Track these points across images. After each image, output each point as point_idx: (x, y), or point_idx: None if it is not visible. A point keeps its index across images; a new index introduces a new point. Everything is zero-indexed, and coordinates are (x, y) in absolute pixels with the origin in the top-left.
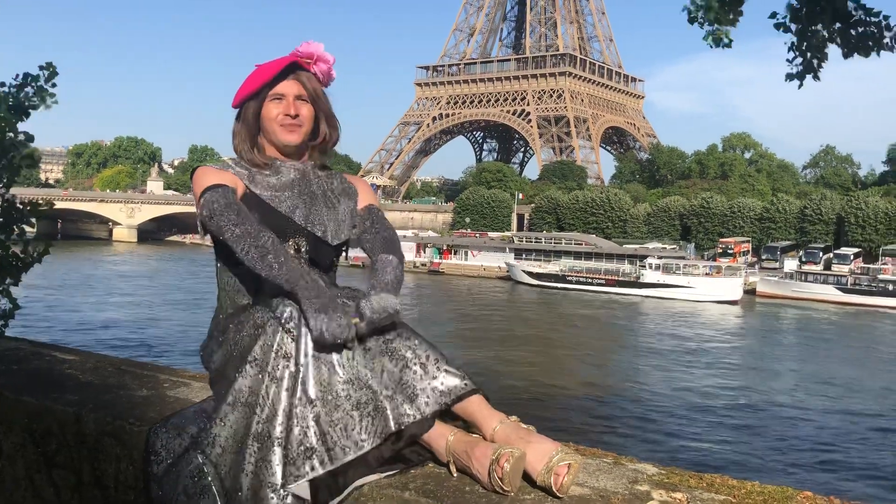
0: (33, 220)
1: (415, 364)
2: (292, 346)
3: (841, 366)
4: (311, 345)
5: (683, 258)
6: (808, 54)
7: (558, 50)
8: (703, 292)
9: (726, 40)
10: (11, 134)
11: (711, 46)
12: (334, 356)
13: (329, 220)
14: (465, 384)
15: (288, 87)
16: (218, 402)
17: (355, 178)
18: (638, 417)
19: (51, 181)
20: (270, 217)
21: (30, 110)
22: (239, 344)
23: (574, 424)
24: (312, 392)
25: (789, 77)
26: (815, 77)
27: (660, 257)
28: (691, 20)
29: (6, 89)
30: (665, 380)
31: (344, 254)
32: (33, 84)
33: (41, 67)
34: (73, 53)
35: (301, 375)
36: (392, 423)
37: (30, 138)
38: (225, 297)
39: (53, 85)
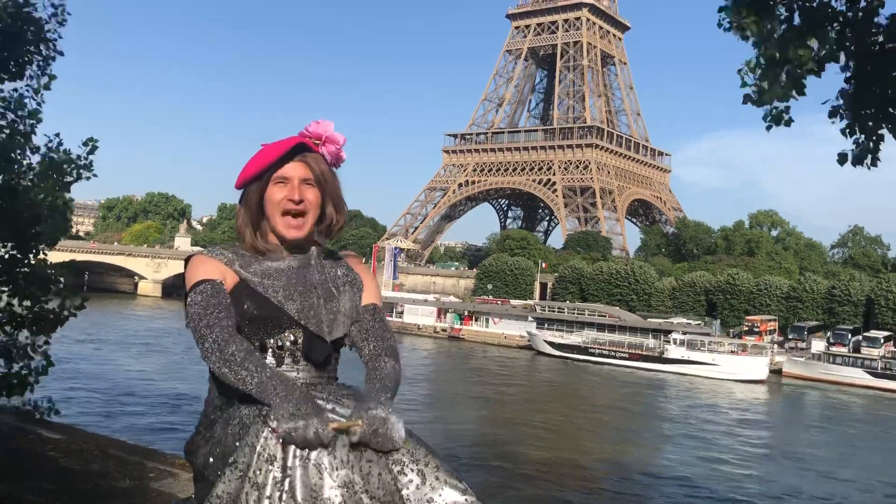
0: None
1: (412, 471)
2: (277, 448)
3: (871, 454)
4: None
5: (709, 335)
6: (863, 137)
7: (586, 122)
8: (727, 370)
9: (786, 118)
10: (50, 198)
11: (771, 126)
12: (324, 459)
13: (326, 313)
14: (467, 500)
15: (293, 169)
16: None
17: (362, 267)
18: None
19: (81, 233)
20: (263, 308)
21: (69, 182)
22: (222, 442)
23: None
24: (300, 497)
25: (853, 161)
26: (874, 161)
27: (684, 333)
28: (746, 101)
29: (42, 152)
30: (687, 465)
31: (347, 346)
32: (77, 161)
33: (84, 143)
34: (108, 110)
35: (288, 480)
36: None
37: (69, 207)
38: (214, 386)
39: (92, 155)
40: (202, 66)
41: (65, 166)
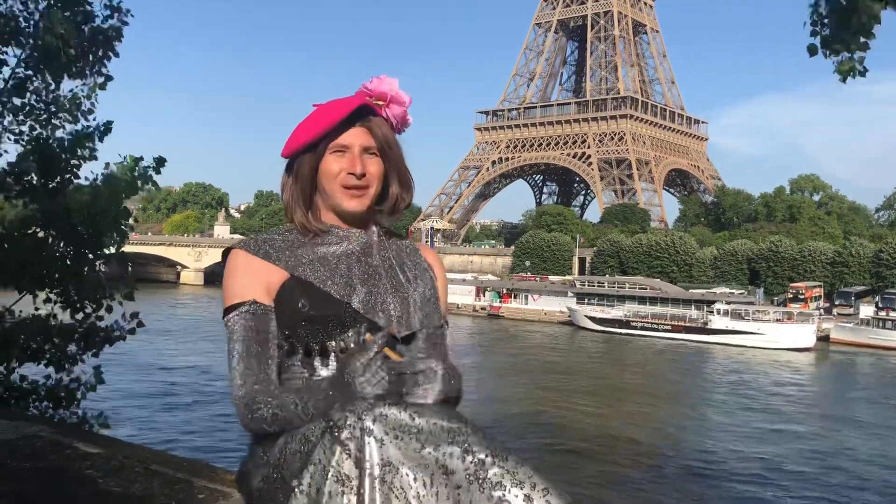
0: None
1: (516, 497)
2: (351, 466)
3: None
4: (377, 464)
5: (752, 303)
6: None
7: (619, 93)
8: (773, 339)
9: (860, 68)
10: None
11: (844, 79)
12: (410, 479)
13: (395, 305)
14: None
15: (354, 136)
16: None
17: (431, 254)
18: (709, 485)
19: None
20: (320, 305)
21: (138, 193)
22: (282, 465)
23: (627, 487)
24: None
25: None
26: None
27: (728, 302)
28: (813, 51)
29: (112, 167)
30: (733, 436)
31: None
32: (148, 179)
33: (154, 161)
34: (141, 102)
35: None
36: None
37: (131, 228)
38: None
39: (159, 174)
40: (232, 53)
41: (132, 178)
